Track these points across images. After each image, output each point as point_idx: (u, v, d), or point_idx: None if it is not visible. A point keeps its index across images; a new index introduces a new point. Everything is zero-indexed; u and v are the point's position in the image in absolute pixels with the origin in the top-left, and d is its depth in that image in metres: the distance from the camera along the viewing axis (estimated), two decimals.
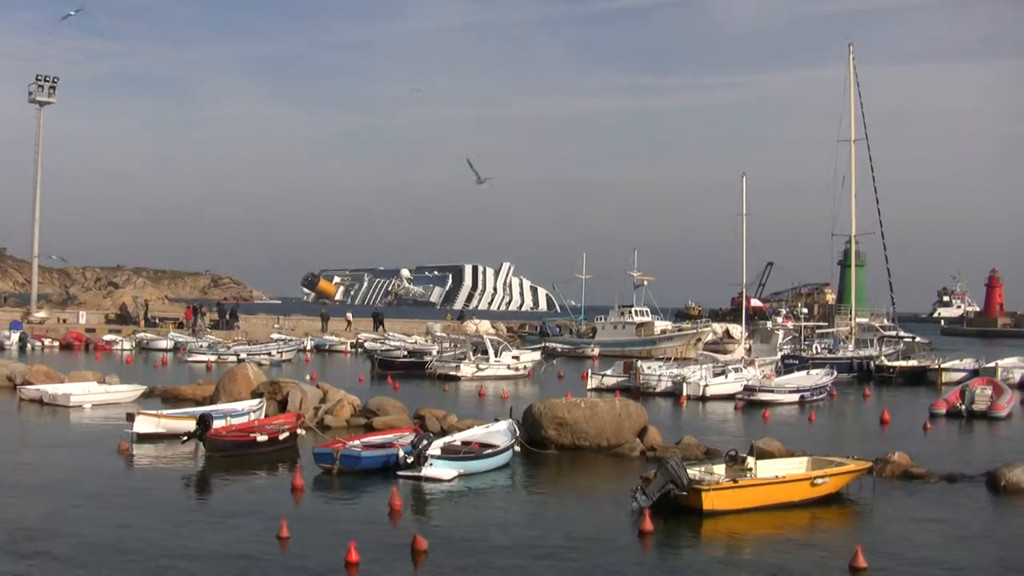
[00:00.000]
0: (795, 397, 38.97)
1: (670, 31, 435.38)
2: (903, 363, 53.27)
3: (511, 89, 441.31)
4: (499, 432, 24.04)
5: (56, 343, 63.02)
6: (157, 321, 73.66)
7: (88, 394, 32.85)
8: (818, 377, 42.57)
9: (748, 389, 38.77)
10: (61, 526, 16.31)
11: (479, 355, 49.62)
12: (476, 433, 24.14)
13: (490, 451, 22.43)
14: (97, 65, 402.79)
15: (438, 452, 21.19)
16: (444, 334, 69.38)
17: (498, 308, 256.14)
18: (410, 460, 20.52)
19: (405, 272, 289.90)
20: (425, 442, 20.82)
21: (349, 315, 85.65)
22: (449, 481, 20.37)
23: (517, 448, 23.49)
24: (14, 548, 14.85)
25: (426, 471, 20.36)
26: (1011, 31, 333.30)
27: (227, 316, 75.07)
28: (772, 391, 39.00)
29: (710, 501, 17.49)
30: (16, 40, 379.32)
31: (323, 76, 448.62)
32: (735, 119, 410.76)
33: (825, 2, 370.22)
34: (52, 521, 16.64)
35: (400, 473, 20.48)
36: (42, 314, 70.96)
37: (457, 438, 23.52)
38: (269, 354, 55.68)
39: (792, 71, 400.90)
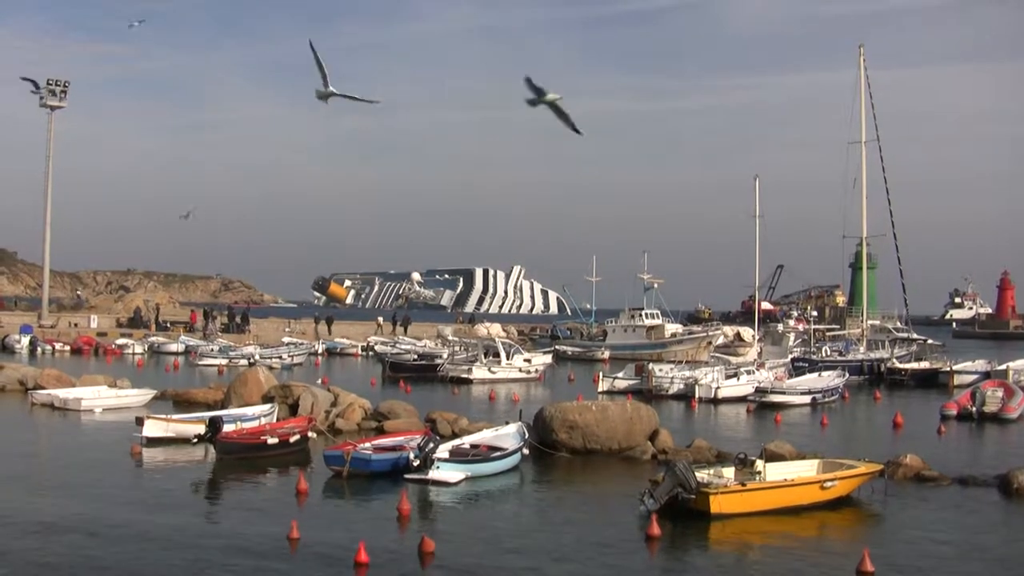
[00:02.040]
0: (807, 399, 38.89)
1: (679, 34, 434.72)
2: (914, 365, 53.14)
3: (518, 91, 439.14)
4: (508, 435, 24.01)
5: (67, 347, 63.16)
6: (168, 325, 73.90)
7: (99, 398, 32.92)
8: (830, 379, 42.49)
9: (760, 390, 38.69)
10: (72, 529, 16.35)
11: (491, 358, 49.61)
12: (485, 436, 24.14)
13: (498, 454, 22.42)
14: (106, 68, 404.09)
15: (445, 455, 21.19)
16: (455, 337, 69.43)
17: (509, 311, 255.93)
18: (416, 463, 20.52)
19: (416, 275, 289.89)
20: (431, 445, 20.81)
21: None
22: (455, 484, 20.37)
23: (526, 451, 23.48)
24: (26, 551, 14.92)
25: (432, 474, 20.35)
26: (1020, 32, 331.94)
27: (237, 320, 75.33)
28: (784, 393, 38.94)
29: (718, 504, 17.46)
30: (26, 44, 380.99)
31: (331, 79, 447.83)
32: (745, 121, 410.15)
33: (834, 4, 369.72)
34: (64, 524, 16.68)
35: (407, 476, 20.49)
36: (48, 321, 71.11)
37: (466, 441, 23.53)
38: (280, 358, 55.80)
39: (802, 73, 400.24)
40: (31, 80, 69.95)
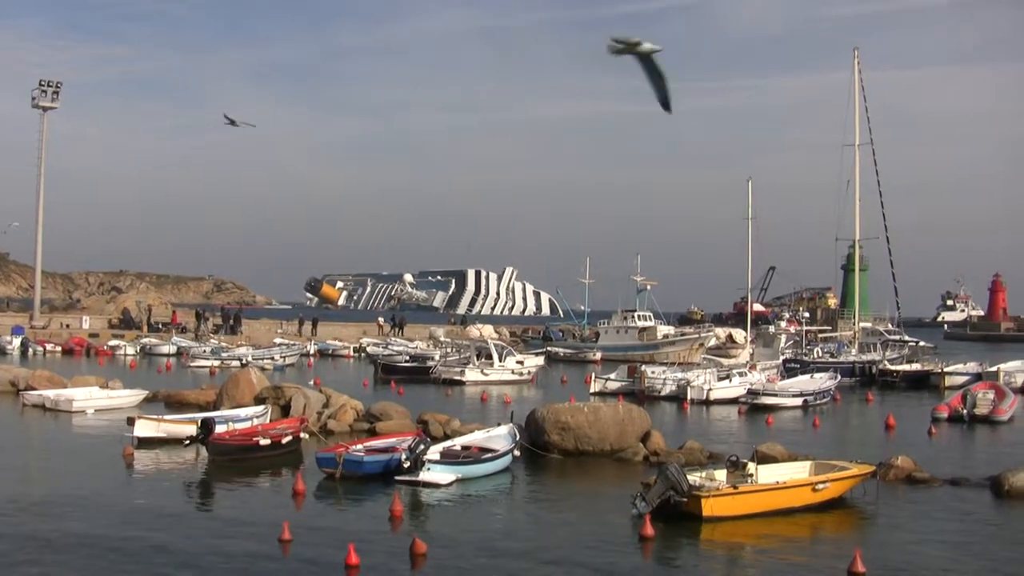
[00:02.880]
0: (799, 401, 38.91)
1: (675, 36, 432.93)
2: (906, 367, 53.24)
3: (515, 93, 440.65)
4: (499, 436, 24.04)
5: (58, 348, 63.05)
6: (161, 326, 73.82)
7: (90, 399, 32.86)
8: (821, 381, 42.53)
9: (752, 392, 38.71)
10: (65, 529, 16.32)
11: (483, 360, 49.60)
12: (476, 437, 24.16)
13: (489, 455, 22.42)
14: (104, 69, 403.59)
15: (436, 457, 21.19)
16: (447, 339, 69.45)
17: (501, 313, 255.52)
18: (407, 465, 20.52)
19: (408, 277, 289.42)
20: (422, 447, 20.79)
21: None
22: (446, 486, 20.37)
23: (517, 452, 23.47)
24: (19, 553, 14.89)
25: (423, 476, 20.35)
26: (1015, 34, 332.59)
27: (230, 321, 75.27)
28: (776, 395, 38.95)
29: (710, 507, 17.47)
30: (23, 45, 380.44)
31: (328, 81, 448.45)
32: (742, 123, 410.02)
33: (831, 7, 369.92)
34: (56, 524, 16.65)
35: (398, 478, 20.48)
36: (40, 322, 71.05)
37: (457, 442, 23.53)
38: (272, 359, 55.77)
39: (797, 76, 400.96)
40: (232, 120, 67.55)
